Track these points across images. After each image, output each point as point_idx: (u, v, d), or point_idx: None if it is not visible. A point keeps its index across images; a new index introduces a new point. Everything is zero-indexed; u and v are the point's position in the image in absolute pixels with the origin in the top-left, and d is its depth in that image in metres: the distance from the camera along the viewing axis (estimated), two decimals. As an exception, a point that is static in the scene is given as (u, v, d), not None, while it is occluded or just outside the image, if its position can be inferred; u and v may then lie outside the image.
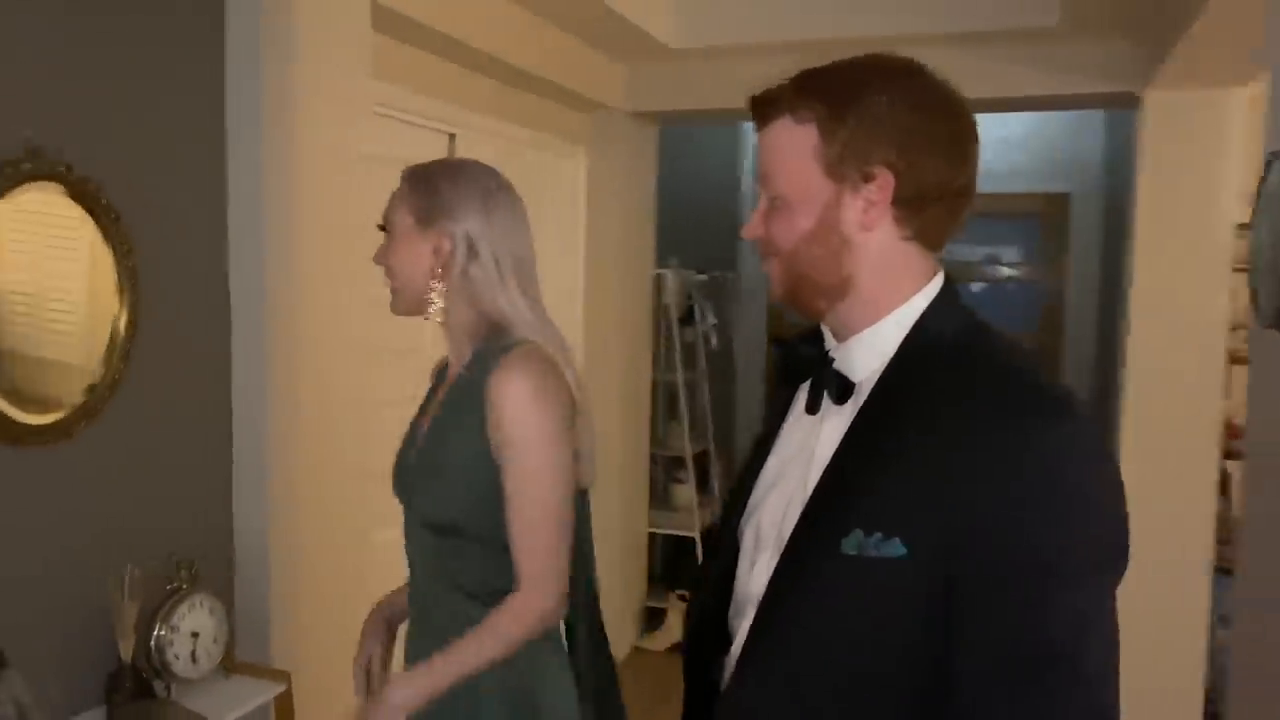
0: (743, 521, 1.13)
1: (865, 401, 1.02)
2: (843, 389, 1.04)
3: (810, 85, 1.01)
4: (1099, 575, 0.92)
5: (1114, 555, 0.93)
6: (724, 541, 1.16)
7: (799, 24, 3.51)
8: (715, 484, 5.02)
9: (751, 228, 1.08)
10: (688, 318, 4.96)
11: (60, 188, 1.78)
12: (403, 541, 1.55)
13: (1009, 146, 5.46)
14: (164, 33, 2.00)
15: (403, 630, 1.61)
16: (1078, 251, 5.56)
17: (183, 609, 1.95)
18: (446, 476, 1.44)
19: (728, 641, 1.11)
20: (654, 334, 4.60)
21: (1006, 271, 5.92)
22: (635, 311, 4.34)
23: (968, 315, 1.04)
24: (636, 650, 4.42)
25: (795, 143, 1.01)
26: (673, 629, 4.43)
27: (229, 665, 2.07)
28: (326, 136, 2.30)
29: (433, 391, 1.61)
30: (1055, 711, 0.90)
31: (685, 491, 4.79)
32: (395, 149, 2.93)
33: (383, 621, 1.62)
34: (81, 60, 1.82)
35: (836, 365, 1.06)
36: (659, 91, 3.97)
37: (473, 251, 1.46)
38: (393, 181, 2.96)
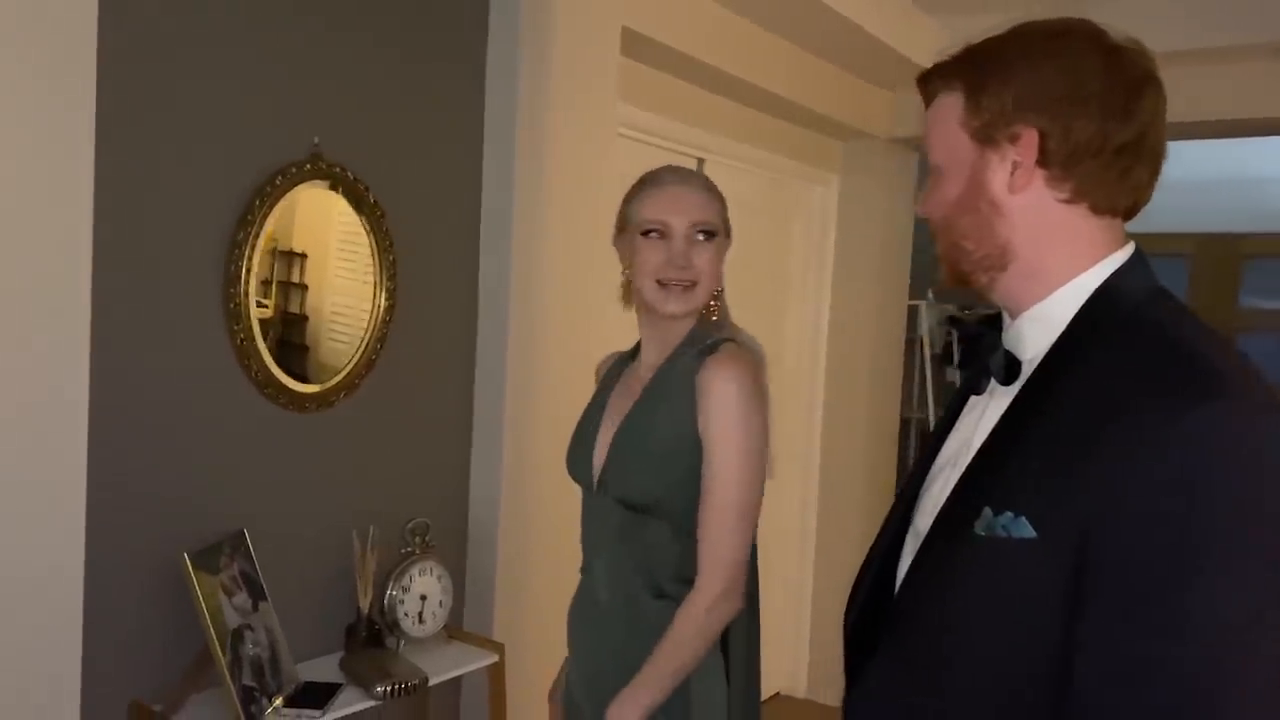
0: (916, 505, 1.11)
1: (1026, 381, 0.99)
2: (1009, 368, 1.00)
3: (960, 56, 1.03)
4: (1254, 571, 0.81)
5: (1272, 551, 0.81)
6: (890, 524, 1.13)
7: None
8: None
9: (918, 204, 1.09)
10: (947, 355, 4.77)
11: (336, 187, 2.04)
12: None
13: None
14: (431, 51, 2.25)
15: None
16: None
17: (413, 572, 2.13)
18: (650, 456, 1.51)
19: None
20: (905, 369, 4.46)
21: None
22: (886, 344, 4.24)
23: (1151, 290, 0.98)
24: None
25: (945, 112, 1.02)
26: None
27: (452, 631, 2.23)
28: (574, 151, 2.46)
29: (612, 380, 1.68)
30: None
31: (933, 536, 4.58)
32: (642, 171, 3.08)
33: (560, 709, 1.70)
34: (357, 75, 2.09)
35: (1006, 344, 1.02)
36: (919, 116, 3.88)
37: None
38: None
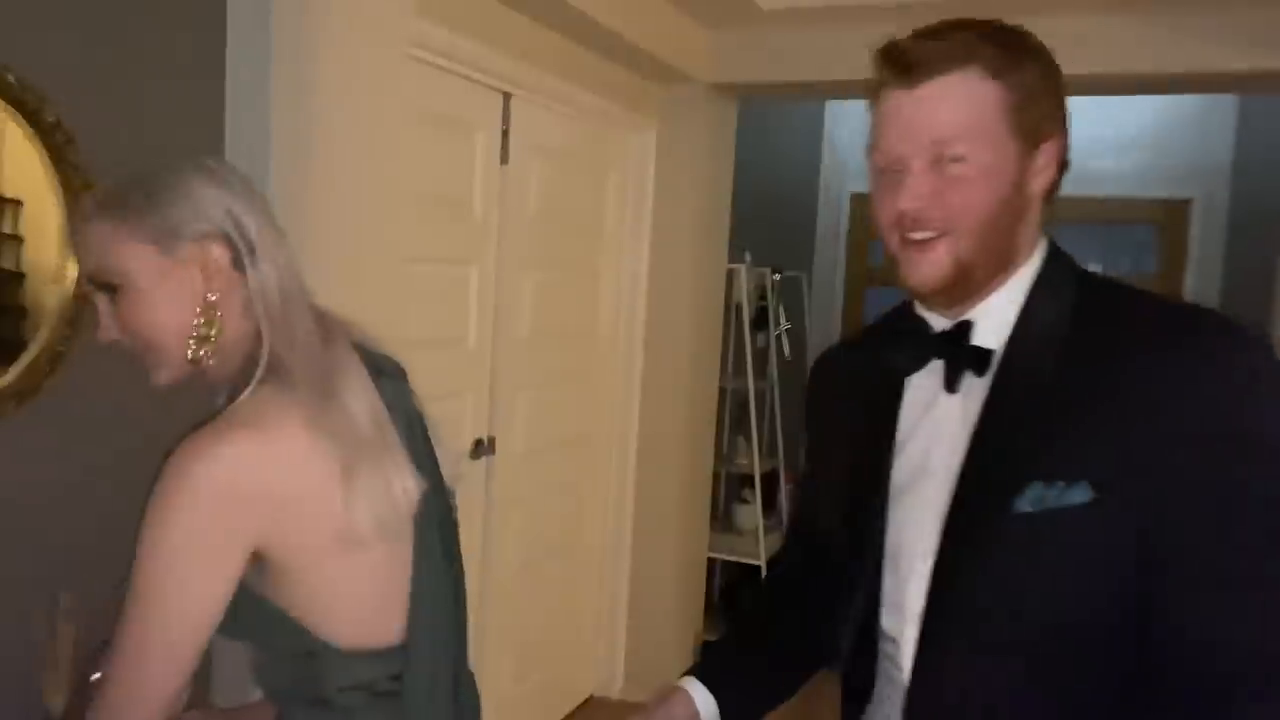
0: (878, 524, 1.04)
1: (999, 367, 0.98)
2: (980, 360, 0.99)
3: (988, 37, 0.93)
4: None
5: None
6: (866, 546, 1.05)
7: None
8: (783, 507, 4.52)
9: (915, 196, 0.94)
10: (760, 320, 4.49)
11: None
12: None
13: (1124, 146, 4.90)
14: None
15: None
16: (1197, 265, 4.98)
17: (136, 649, 1.52)
18: None
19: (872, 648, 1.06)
20: (724, 336, 4.12)
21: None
22: (706, 308, 3.87)
23: (1076, 269, 1.01)
24: (690, 688, 3.94)
25: (980, 98, 0.93)
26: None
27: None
28: (350, 69, 1.88)
29: None
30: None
31: (750, 513, 4.31)
32: (439, 104, 2.51)
33: None
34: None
35: (973, 340, 0.99)
36: (744, 61, 3.50)
37: (250, 248, 1.03)
38: (438, 142, 2.50)
